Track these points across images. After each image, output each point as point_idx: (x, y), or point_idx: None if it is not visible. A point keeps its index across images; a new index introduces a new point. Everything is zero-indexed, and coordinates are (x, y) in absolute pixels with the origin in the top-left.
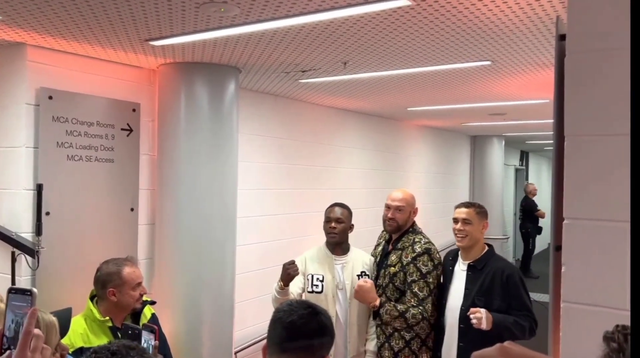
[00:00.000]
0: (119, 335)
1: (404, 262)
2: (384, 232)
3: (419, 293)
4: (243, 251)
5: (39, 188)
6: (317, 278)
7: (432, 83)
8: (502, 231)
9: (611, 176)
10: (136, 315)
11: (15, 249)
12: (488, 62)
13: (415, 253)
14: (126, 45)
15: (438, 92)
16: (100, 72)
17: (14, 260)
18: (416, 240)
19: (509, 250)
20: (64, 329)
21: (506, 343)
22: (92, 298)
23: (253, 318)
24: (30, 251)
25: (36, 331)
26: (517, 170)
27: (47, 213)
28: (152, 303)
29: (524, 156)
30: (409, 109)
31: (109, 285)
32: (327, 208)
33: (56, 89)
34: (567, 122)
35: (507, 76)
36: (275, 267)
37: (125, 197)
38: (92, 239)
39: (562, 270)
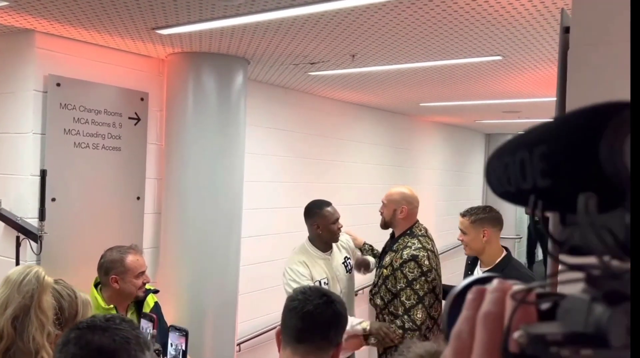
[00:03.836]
0: None
1: (394, 266)
2: None
3: (405, 302)
4: (250, 243)
5: (42, 174)
6: (324, 283)
7: (443, 78)
8: (515, 231)
9: None
10: (139, 303)
11: (19, 234)
12: (499, 57)
13: (402, 260)
14: (134, 34)
15: (450, 87)
16: (108, 61)
17: (18, 244)
18: (409, 244)
19: (522, 250)
20: None
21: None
22: (96, 285)
23: (258, 310)
24: (34, 236)
25: None
26: None
27: (53, 200)
28: (156, 291)
29: None
30: (421, 104)
31: (111, 272)
32: (329, 209)
33: (64, 76)
34: None
35: (519, 72)
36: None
37: (131, 186)
38: (98, 226)
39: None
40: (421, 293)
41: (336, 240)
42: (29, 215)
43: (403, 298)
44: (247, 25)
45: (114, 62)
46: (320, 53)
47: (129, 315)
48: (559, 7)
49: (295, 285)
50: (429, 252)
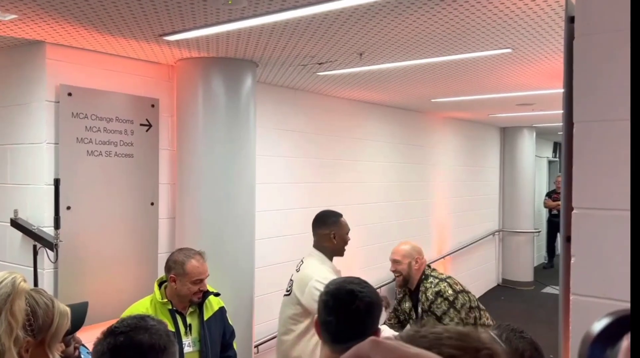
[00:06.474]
0: (177, 318)
1: (424, 309)
2: (397, 289)
3: None
4: (265, 244)
5: (56, 183)
6: None
7: (453, 73)
8: (534, 225)
9: (622, 163)
10: (202, 304)
11: (36, 242)
12: (509, 50)
13: (429, 301)
14: (142, 41)
15: (460, 82)
16: (119, 69)
17: (35, 253)
18: (427, 286)
19: (542, 244)
20: (80, 321)
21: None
22: (160, 284)
23: (274, 311)
24: (50, 244)
25: None
26: (550, 162)
27: (68, 208)
28: (217, 295)
29: (557, 147)
30: (433, 100)
31: (171, 271)
32: (344, 219)
33: (75, 85)
34: (576, 107)
35: (529, 64)
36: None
37: (145, 192)
38: (113, 233)
39: (572, 261)
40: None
41: (343, 253)
42: (45, 224)
43: None
44: (252, 29)
45: (123, 70)
46: (327, 53)
47: (188, 313)
48: None
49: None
50: (447, 280)
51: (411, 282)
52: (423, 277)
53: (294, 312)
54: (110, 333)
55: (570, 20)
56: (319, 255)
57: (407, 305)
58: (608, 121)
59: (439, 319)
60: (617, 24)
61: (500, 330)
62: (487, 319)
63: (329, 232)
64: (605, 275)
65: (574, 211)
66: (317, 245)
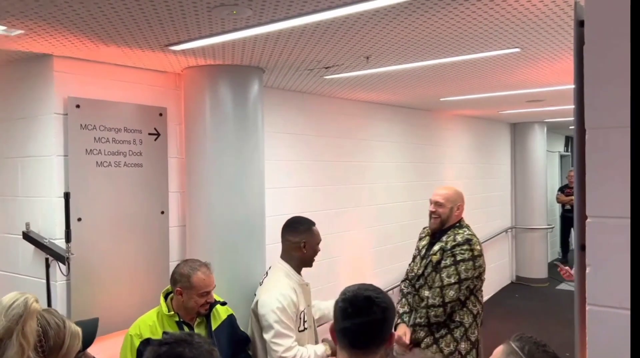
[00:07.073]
0: (185, 330)
1: (445, 249)
2: (425, 228)
3: (444, 278)
4: (275, 250)
5: (66, 196)
6: (305, 313)
7: (461, 73)
8: (547, 221)
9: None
10: (209, 315)
11: (48, 256)
12: (517, 50)
13: (455, 243)
14: (147, 51)
15: (469, 81)
16: (125, 79)
17: (47, 266)
18: (459, 232)
19: (555, 240)
20: (90, 337)
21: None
22: (167, 295)
23: None
24: (61, 258)
25: None
26: (561, 156)
27: (79, 220)
28: (223, 304)
29: (569, 141)
30: (441, 99)
31: (178, 284)
32: (316, 228)
33: (83, 97)
34: (588, 113)
35: (538, 62)
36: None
37: (155, 201)
38: (124, 243)
39: (587, 271)
40: (462, 275)
41: (312, 264)
42: (56, 236)
43: (444, 275)
44: (257, 37)
45: (131, 80)
46: (333, 57)
47: (195, 324)
48: None
49: (282, 318)
50: (478, 239)
51: (445, 226)
52: (457, 224)
53: (252, 328)
54: (157, 343)
55: (580, 24)
56: (285, 268)
57: (423, 243)
58: (621, 127)
59: (456, 263)
60: (629, 28)
61: (523, 343)
62: (481, 297)
63: (299, 241)
64: (621, 285)
65: (588, 220)
66: (285, 255)
